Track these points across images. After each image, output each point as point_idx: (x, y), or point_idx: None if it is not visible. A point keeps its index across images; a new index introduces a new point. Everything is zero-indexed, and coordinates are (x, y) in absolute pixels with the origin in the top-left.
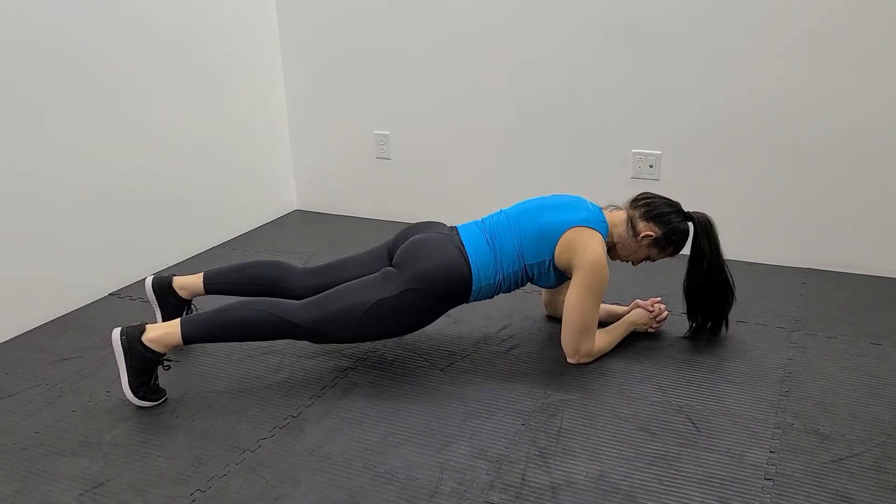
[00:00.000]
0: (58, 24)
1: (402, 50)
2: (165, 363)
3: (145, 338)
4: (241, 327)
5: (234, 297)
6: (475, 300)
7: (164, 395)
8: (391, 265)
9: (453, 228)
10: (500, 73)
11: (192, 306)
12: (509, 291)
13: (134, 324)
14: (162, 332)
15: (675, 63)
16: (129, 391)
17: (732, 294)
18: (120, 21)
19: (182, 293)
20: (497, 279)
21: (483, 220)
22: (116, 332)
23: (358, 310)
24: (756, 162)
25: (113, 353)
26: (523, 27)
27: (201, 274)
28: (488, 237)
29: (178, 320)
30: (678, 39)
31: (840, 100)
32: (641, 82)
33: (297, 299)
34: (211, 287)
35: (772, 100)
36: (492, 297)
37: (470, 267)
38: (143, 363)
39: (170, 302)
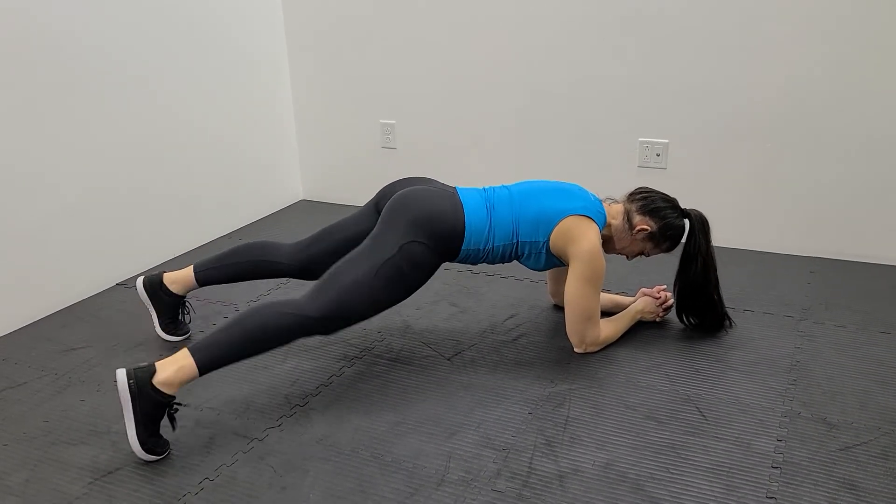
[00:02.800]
0: (62, 17)
1: (408, 39)
2: (174, 406)
3: (156, 380)
4: (255, 335)
5: (227, 283)
6: (460, 261)
7: (168, 446)
8: (378, 222)
9: (451, 186)
10: (506, 62)
11: (187, 303)
12: (493, 263)
13: (142, 364)
14: (174, 368)
15: (683, 52)
16: (137, 444)
17: (719, 292)
18: (125, 14)
19: (174, 287)
20: (486, 247)
21: (486, 189)
22: (122, 375)
23: (365, 282)
24: (764, 150)
25: (119, 398)
26: (530, 16)
27: (191, 266)
28: (488, 205)
29: (185, 350)
30: (685, 28)
31: (849, 88)
32: (648, 71)
33: (288, 275)
34: (203, 276)
35: (780, 88)
36: (475, 263)
37: (464, 225)
38: (154, 409)
39: (162, 299)
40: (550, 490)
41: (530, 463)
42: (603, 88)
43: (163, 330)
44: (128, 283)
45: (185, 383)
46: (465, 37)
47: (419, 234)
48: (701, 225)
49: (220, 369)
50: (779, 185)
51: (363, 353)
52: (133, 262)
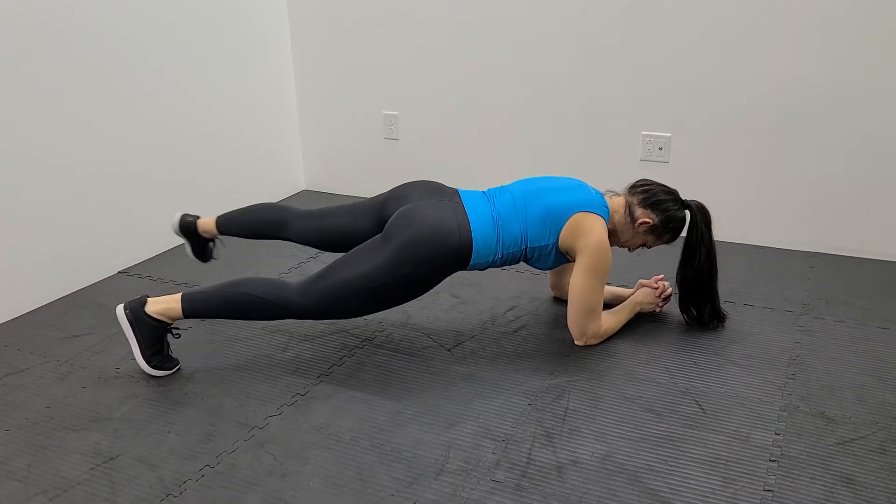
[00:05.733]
0: (70, 5)
1: (412, 30)
2: (174, 332)
3: (148, 309)
4: (239, 308)
5: (243, 238)
6: (470, 270)
7: (178, 363)
8: (382, 231)
9: (455, 193)
10: (509, 55)
11: (214, 243)
12: (500, 267)
13: (134, 297)
14: (164, 306)
15: (686, 45)
16: (143, 362)
17: (717, 284)
18: (129, 4)
19: (205, 235)
20: (495, 257)
21: (488, 196)
22: (120, 308)
23: (354, 296)
24: (766, 145)
25: (121, 329)
26: (534, 8)
27: (214, 218)
28: (494, 215)
29: (178, 295)
30: (689, 21)
31: (851, 84)
32: (652, 64)
33: (295, 240)
34: (224, 230)
35: (783, 83)
36: (483, 269)
37: (471, 239)
38: (152, 332)
39: (195, 238)
40: (549, 481)
41: (529, 454)
42: (606, 81)
43: (195, 256)
44: (129, 271)
45: (174, 319)
46: (468, 29)
47: (416, 262)
48: (702, 215)
49: (223, 353)
50: (780, 180)
51: (364, 343)
52: (135, 250)
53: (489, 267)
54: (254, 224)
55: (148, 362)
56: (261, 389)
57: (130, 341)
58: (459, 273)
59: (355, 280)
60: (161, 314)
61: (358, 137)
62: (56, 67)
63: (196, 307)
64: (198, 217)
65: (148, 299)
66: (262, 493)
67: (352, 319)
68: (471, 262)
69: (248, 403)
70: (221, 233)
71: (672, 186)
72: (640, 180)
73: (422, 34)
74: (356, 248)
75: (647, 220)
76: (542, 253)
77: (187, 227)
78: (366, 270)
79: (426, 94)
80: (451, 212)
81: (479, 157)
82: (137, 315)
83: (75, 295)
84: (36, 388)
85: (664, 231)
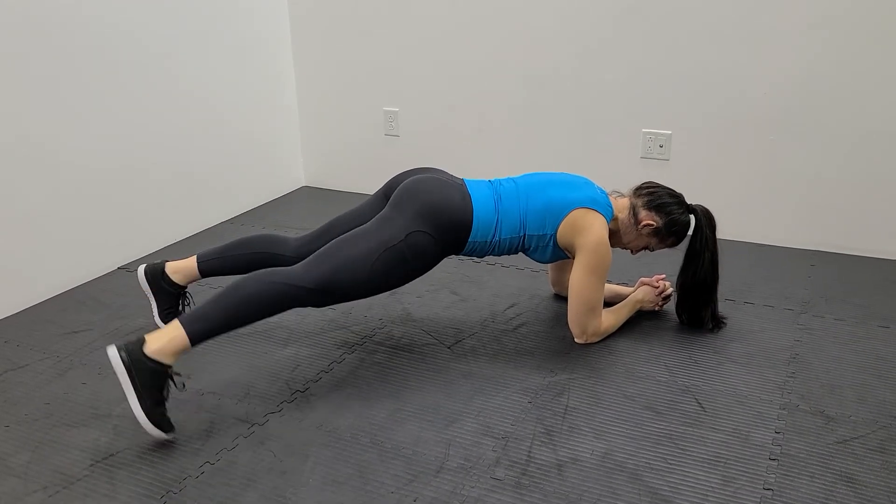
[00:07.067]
0: (68, 1)
1: (412, 27)
2: (177, 380)
3: (148, 350)
4: (246, 305)
5: (231, 276)
6: (465, 254)
7: (174, 430)
8: (388, 205)
9: (460, 179)
10: (510, 51)
11: (188, 294)
12: (499, 255)
13: (130, 339)
14: (165, 339)
15: (687, 43)
16: (143, 415)
17: (717, 290)
18: (129, 1)
19: (176, 277)
20: (492, 240)
21: (492, 182)
22: (113, 350)
23: (365, 262)
24: (766, 143)
25: (114, 374)
26: (535, 5)
27: (194, 256)
28: (495, 198)
29: (176, 321)
30: (690, 18)
31: (851, 82)
32: (653, 61)
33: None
34: (206, 266)
35: (783, 81)
36: (482, 256)
37: (472, 217)
38: (153, 378)
39: (163, 289)
40: (549, 479)
41: (529, 451)
42: (606, 79)
43: (162, 320)
44: (129, 267)
45: (179, 353)
46: (469, 26)
47: (426, 224)
48: (707, 220)
49: (223, 350)
50: (780, 178)
51: (364, 341)
52: (135, 247)
53: (487, 252)
54: (242, 255)
55: (149, 416)
56: (261, 386)
57: (126, 391)
58: (459, 270)
59: (372, 255)
60: (162, 351)
61: (358, 134)
62: (56, 64)
63: (200, 324)
64: (165, 260)
65: (147, 338)
66: (261, 489)
67: (352, 316)
68: (469, 239)
69: (248, 400)
70: (203, 271)
71: (673, 186)
72: (645, 182)
73: (422, 31)
74: (362, 227)
75: (651, 222)
76: (540, 244)
77: (154, 274)
78: (384, 245)
79: (427, 91)
80: (456, 188)
81: (479, 154)
82: (135, 357)
83: (75, 291)
84: (35, 385)
85: (667, 234)
